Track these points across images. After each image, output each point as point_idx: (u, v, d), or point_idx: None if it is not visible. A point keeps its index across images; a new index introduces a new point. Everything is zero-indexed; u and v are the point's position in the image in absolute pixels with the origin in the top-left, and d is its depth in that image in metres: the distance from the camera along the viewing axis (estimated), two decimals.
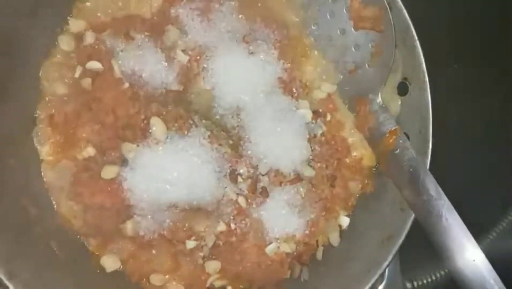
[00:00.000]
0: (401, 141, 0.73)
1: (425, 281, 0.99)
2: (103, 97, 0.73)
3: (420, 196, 0.68)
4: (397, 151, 0.73)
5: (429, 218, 0.67)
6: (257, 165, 0.76)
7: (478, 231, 0.66)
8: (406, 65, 0.76)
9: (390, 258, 0.72)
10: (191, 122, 0.75)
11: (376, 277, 0.72)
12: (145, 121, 0.74)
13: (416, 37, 0.74)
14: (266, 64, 0.78)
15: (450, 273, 0.64)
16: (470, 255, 0.63)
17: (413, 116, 0.76)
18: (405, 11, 0.74)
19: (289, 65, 0.80)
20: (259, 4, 0.80)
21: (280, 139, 0.77)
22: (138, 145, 0.73)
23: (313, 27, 0.81)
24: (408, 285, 0.98)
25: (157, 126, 0.73)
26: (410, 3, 0.74)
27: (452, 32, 0.89)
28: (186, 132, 0.74)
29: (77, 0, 0.77)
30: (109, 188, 0.71)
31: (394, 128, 0.75)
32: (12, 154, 0.72)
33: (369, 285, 0.71)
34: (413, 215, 0.72)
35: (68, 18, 0.77)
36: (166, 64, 0.75)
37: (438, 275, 0.98)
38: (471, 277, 0.63)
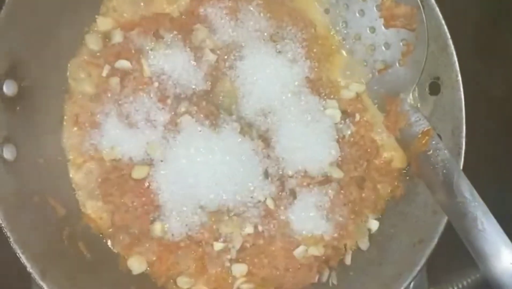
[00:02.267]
0: (434, 142, 0.71)
1: None
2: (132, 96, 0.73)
3: (454, 198, 0.66)
4: (430, 152, 0.71)
5: (464, 222, 0.65)
6: (285, 166, 0.75)
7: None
8: (438, 64, 0.74)
9: (422, 262, 0.70)
10: (222, 119, 0.74)
11: (407, 282, 0.70)
12: (175, 120, 0.73)
13: (449, 36, 0.72)
14: (294, 63, 0.77)
15: (484, 279, 0.62)
16: (507, 259, 0.61)
17: (446, 116, 0.74)
18: (437, 9, 0.72)
19: (316, 64, 0.78)
20: (287, 3, 0.79)
21: (308, 140, 0.75)
22: (168, 146, 0.72)
23: (341, 26, 0.80)
24: None
25: (187, 125, 0.73)
26: (442, 1, 0.72)
27: (484, 30, 0.88)
28: (216, 130, 0.73)
29: None
30: (139, 188, 0.71)
31: (427, 128, 0.73)
32: (41, 154, 0.72)
33: None
34: (446, 218, 0.69)
35: (96, 16, 0.76)
36: (194, 63, 0.75)
37: (465, 283, 0.94)
38: (507, 282, 0.60)
